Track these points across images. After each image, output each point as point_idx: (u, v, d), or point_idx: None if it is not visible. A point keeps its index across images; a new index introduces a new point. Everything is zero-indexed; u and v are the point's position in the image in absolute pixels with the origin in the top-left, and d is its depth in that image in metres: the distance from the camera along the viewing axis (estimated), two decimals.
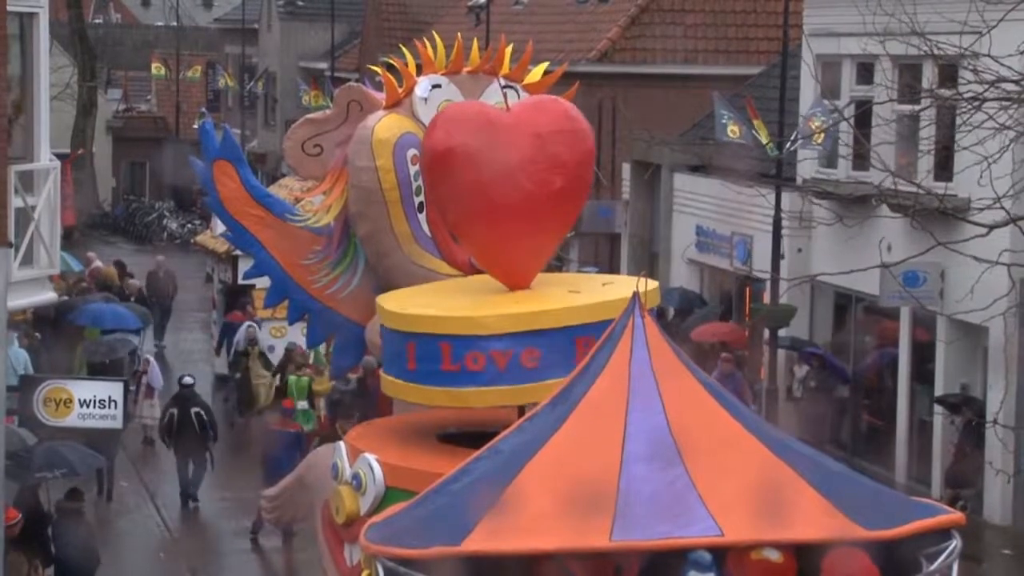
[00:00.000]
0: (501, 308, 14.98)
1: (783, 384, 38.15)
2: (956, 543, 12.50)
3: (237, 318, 41.19)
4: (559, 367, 14.01)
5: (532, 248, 15.46)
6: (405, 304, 15.25)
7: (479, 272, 15.85)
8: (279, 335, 35.66)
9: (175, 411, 33.75)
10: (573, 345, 14.26)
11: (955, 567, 12.32)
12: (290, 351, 35.87)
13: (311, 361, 34.94)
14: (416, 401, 15.37)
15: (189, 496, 33.83)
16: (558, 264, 34.00)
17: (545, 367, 14.34)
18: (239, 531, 31.88)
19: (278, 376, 37.03)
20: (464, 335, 14.65)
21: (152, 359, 38.56)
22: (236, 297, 40.99)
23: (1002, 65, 20.23)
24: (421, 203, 15.99)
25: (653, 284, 15.02)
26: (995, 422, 31.99)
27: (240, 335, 37.69)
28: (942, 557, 12.27)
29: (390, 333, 15.11)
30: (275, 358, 37.02)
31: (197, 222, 62.21)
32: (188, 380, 34.62)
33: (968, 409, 34.48)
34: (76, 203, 47.71)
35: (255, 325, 35.69)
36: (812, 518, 12.26)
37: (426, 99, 16.35)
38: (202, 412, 33.73)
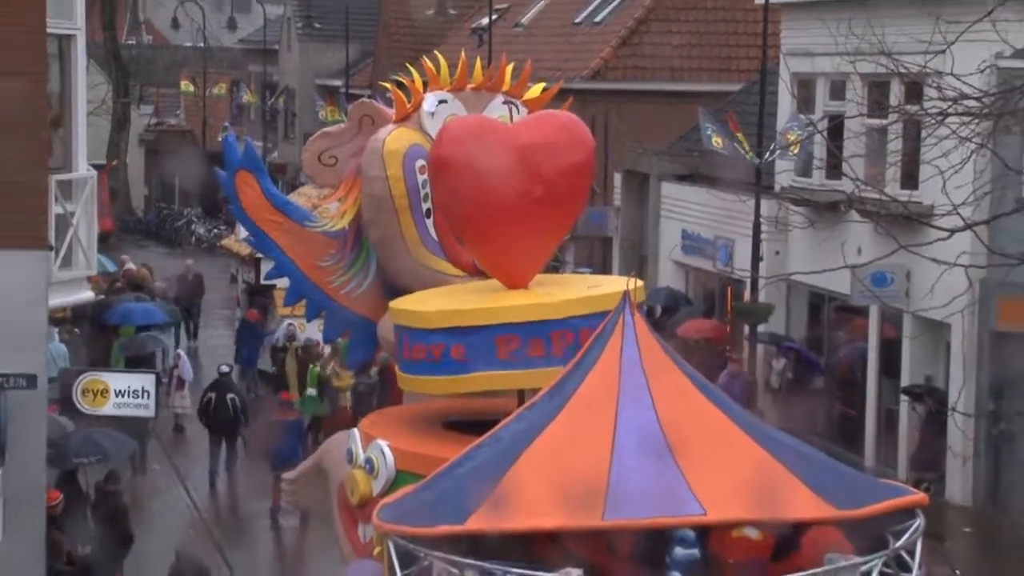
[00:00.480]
0: (500, 302, 14.98)
1: (762, 376, 38.14)
2: (920, 522, 12.43)
3: (253, 316, 41.71)
4: (553, 358, 14.02)
5: (526, 251, 15.38)
6: (417, 305, 15.24)
7: (481, 273, 15.77)
8: (300, 331, 35.88)
9: (212, 396, 34.13)
10: (550, 338, 14.28)
11: (919, 544, 12.24)
12: (308, 346, 36.06)
13: (329, 355, 35.06)
14: (424, 391, 15.36)
15: (217, 476, 34.23)
16: (555, 265, 33.97)
17: (544, 358, 14.35)
18: (262, 511, 31.88)
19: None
20: (465, 326, 14.66)
21: (183, 354, 38.64)
22: (259, 296, 41.13)
23: (963, 83, 20.14)
24: (428, 209, 15.92)
25: (638, 283, 14.92)
26: (955, 410, 32.05)
27: (280, 331, 37.84)
28: (907, 534, 12.21)
29: (403, 330, 15.09)
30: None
31: (222, 227, 62.13)
32: (225, 368, 35.32)
33: (931, 399, 34.50)
34: (111, 210, 47.76)
35: (295, 324, 35.67)
36: (789, 499, 12.18)
37: (433, 113, 16.28)
38: (236, 398, 34.12)
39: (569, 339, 14.01)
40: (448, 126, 15.74)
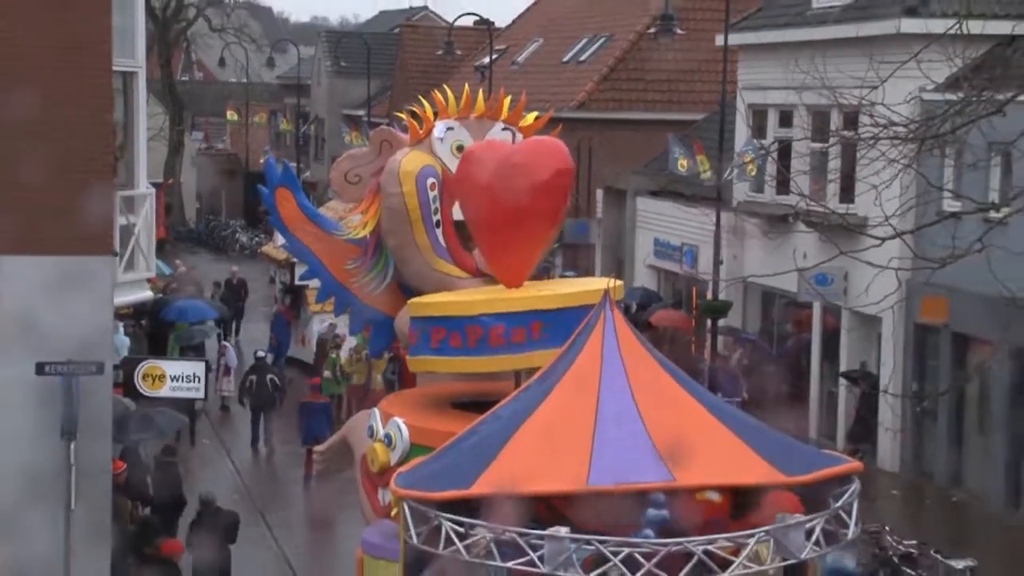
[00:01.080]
0: (501, 295, 15.09)
1: (722, 365, 38.17)
2: (856, 486, 12.46)
3: (284, 311, 43.00)
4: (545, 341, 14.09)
5: (519, 256, 15.49)
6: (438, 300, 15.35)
7: (482, 275, 15.84)
8: (324, 319, 36.30)
9: (254, 377, 35.15)
10: (559, 325, 14.33)
11: (855, 504, 12.27)
12: (323, 339, 37.35)
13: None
14: (435, 370, 15.43)
15: (258, 445, 35.29)
16: (546, 267, 33.98)
17: (534, 343, 14.44)
18: (296, 479, 32.34)
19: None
20: (469, 315, 14.74)
21: (229, 345, 39.66)
22: (294, 295, 41.27)
23: (893, 112, 20.18)
24: (438, 221, 15.97)
25: (618, 283, 14.96)
26: (886, 391, 32.04)
27: (324, 328, 37.80)
28: (845, 496, 12.24)
29: (418, 320, 15.15)
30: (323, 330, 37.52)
31: (262, 236, 62.10)
32: (261, 353, 36.71)
33: (865, 382, 34.58)
34: (166, 221, 47.88)
35: (336, 323, 35.83)
36: (745, 467, 12.23)
37: (442, 139, 16.33)
38: (275, 378, 35.31)
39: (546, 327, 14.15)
40: (469, 150, 15.90)
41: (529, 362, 14.43)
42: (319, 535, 29.72)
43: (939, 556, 23.14)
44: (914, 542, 23.80)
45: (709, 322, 38.42)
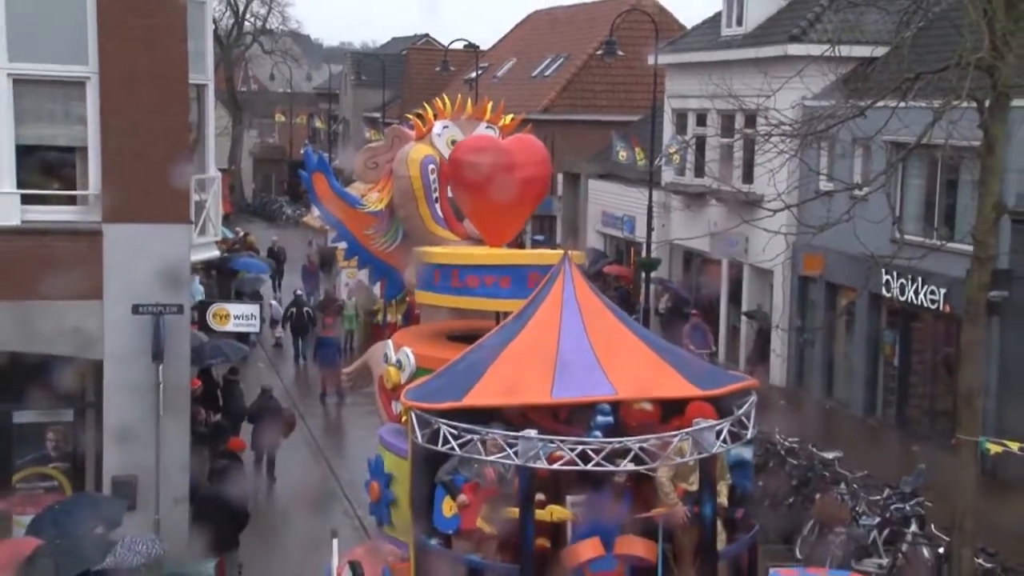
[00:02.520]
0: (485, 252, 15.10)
1: (653, 305, 38.23)
2: (753, 397, 12.48)
3: (310, 264, 44.13)
4: (519, 291, 14.08)
5: (502, 221, 15.49)
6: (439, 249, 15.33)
7: (469, 239, 15.82)
8: (352, 276, 36.43)
9: (294, 309, 36.98)
10: (526, 278, 14.31)
11: (752, 411, 12.29)
12: (328, 299, 38.33)
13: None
14: (436, 304, 15.42)
15: (299, 359, 37.05)
16: (520, 233, 34.05)
17: (510, 290, 14.44)
18: (330, 392, 32.43)
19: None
20: (464, 264, 14.74)
21: (274, 301, 40.30)
22: (328, 255, 41.39)
23: (782, 115, 20.16)
24: (436, 197, 15.91)
25: (578, 253, 14.99)
26: (777, 327, 32.15)
27: (354, 282, 37.88)
28: (745, 406, 12.26)
29: (425, 265, 15.15)
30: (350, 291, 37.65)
31: (303, 209, 62.07)
32: (299, 292, 38.43)
33: (760, 319, 34.73)
34: (230, 198, 47.86)
35: (362, 278, 36.05)
36: (670, 384, 12.23)
37: (439, 135, 16.24)
38: (309, 310, 37.15)
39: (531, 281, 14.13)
40: (462, 142, 15.86)
41: (501, 306, 14.42)
42: (345, 436, 29.90)
43: (814, 449, 23.24)
44: (796, 439, 23.91)
45: (643, 274, 38.58)
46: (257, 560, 20.04)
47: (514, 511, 11.74)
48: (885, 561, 19.41)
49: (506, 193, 15.11)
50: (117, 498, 17.74)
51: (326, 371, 31.56)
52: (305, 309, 37.08)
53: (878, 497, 20.81)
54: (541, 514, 12.04)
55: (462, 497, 11.96)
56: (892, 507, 20.37)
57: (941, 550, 18.76)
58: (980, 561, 17.92)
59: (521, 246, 32.14)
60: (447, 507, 12.02)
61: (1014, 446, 18.36)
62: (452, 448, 11.69)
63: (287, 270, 47.81)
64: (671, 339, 24.89)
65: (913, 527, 19.74)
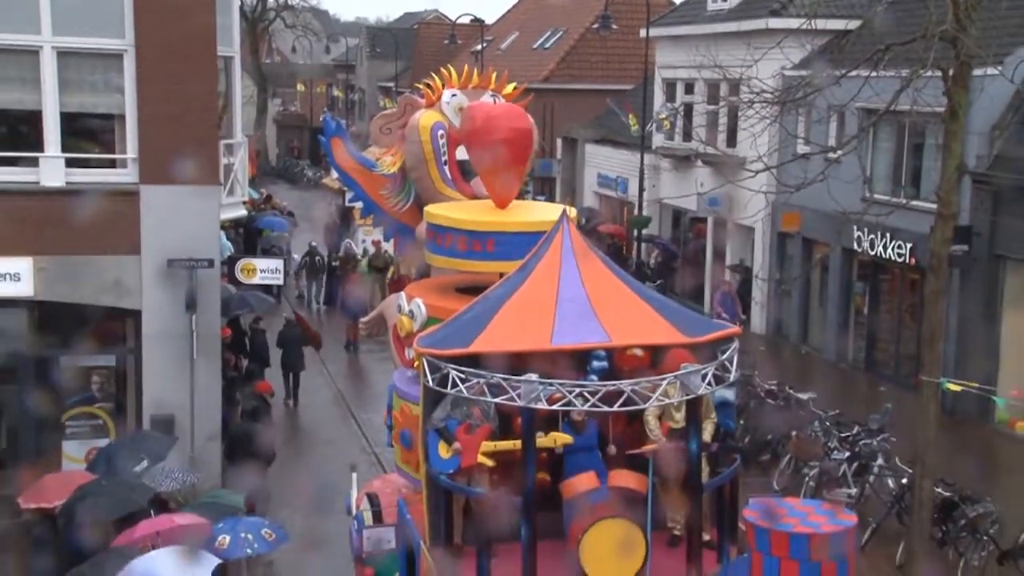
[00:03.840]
0: (495, 217, 15.00)
1: (644, 259, 38.24)
2: (736, 343, 12.43)
3: (332, 222, 42.96)
4: (517, 253, 14.04)
5: (503, 183, 15.41)
6: (444, 213, 15.24)
7: (476, 198, 15.78)
8: (369, 234, 36.28)
9: (307, 258, 37.66)
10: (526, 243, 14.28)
11: (735, 356, 12.28)
12: (348, 256, 37.26)
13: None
14: (443, 266, 15.38)
15: (312, 304, 37.62)
16: (524, 192, 33.96)
17: (506, 253, 14.40)
18: (340, 339, 32.47)
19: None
20: (472, 230, 14.68)
21: (297, 256, 39.45)
22: (345, 214, 41.29)
23: (763, 84, 20.07)
24: (445, 160, 15.86)
25: (573, 211, 14.93)
26: (758, 277, 32.12)
27: (368, 241, 37.53)
28: (729, 351, 12.24)
29: (434, 227, 15.10)
30: (368, 246, 37.30)
31: (323, 171, 61.95)
32: (314, 243, 38.56)
33: (743, 271, 34.68)
34: (256, 161, 47.74)
35: (379, 238, 36.01)
36: (660, 331, 12.21)
37: (448, 103, 16.14)
38: (320, 258, 37.88)
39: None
40: (471, 107, 15.76)
41: (498, 268, 14.34)
42: (363, 378, 29.93)
43: (791, 391, 23.30)
44: (774, 382, 23.96)
45: (635, 231, 38.55)
46: (284, 492, 20.15)
47: (513, 444, 11.78)
48: (854, 491, 19.51)
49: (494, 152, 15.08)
50: (165, 436, 17.83)
51: (351, 322, 31.46)
52: (317, 257, 37.63)
53: (848, 434, 20.90)
54: (544, 440, 12.10)
55: (456, 444, 11.98)
56: (860, 443, 20.48)
57: (904, 481, 18.85)
58: (939, 490, 18.00)
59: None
60: (443, 450, 12.04)
61: (972, 386, 18.44)
62: (460, 391, 11.70)
63: (312, 224, 47.63)
64: (661, 289, 24.95)
65: (879, 460, 19.84)
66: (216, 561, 12.96)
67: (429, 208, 15.36)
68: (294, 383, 26.93)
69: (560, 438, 12.36)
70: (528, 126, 15.76)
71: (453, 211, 15.25)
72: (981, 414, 24.50)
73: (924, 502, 17.66)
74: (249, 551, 14.10)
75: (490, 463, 11.96)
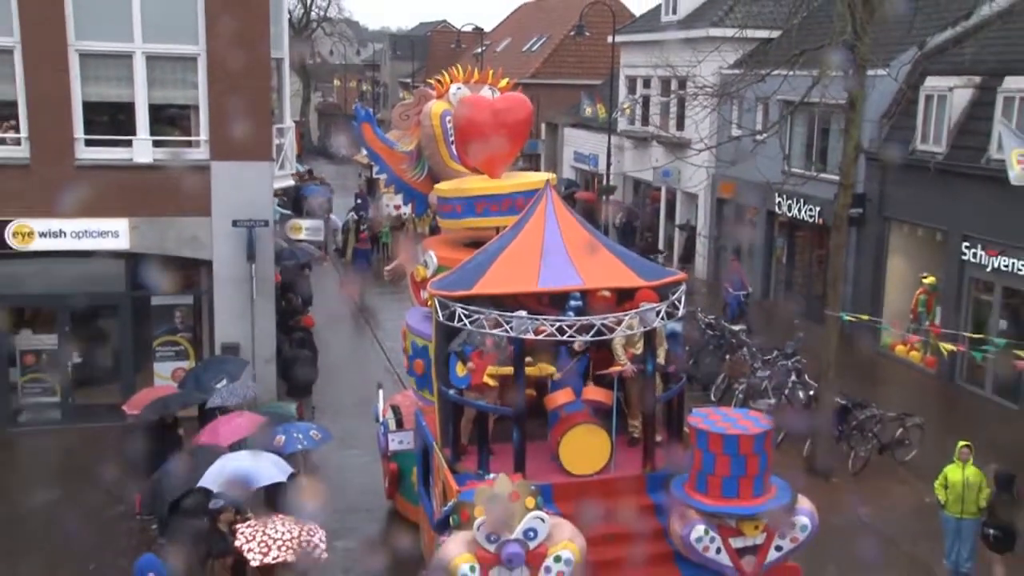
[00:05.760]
0: (486, 184, 14.97)
1: (611, 222, 38.16)
2: (683, 287, 12.50)
3: (361, 191, 42.27)
4: (511, 212, 14.04)
5: (496, 159, 15.37)
6: (449, 187, 15.19)
7: (475, 171, 15.72)
8: (391, 200, 35.79)
9: (351, 214, 36.65)
10: (515, 202, 14.28)
11: (683, 297, 12.32)
12: (371, 220, 36.95)
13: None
14: (452, 228, 15.34)
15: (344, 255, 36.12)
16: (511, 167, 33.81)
17: (504, 212, 14.40)
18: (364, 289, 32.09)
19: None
20: (470, 196, 14.68)
21: (334, 216, 38.75)
22: (372, 184, 40.97)
23: (705, 80, 20.00)
24: (452, 140, 15.80)
25: (553, 176, 14.90)
26: (700, 235, 32.03)
27: (391, 207, 36.82)
28: (677, 293, 12.28)
29: (443, 199, 15.07)
30: (391, 210, 36.90)
31: (354, 149, 61.65)
32: (356, 203, 37.63)
33: (689, 230, 34.58)
34: (301, 142, 47.34)
35: (400, 204, 35.59)
36: (623, 276, 12.25)
37: (454, 94, 16.10)
38: (359, 218, 36.18)
39: (519, 203, 14.08)
40: (466, 98, 15.68)
41: (497, 223, 14.36)
42: (384, 315, 29.87)
43: (726, 324, 23.36)
44: (713, 317, 24.02)
45: (604, 197, 38.42)
46: (326, 402, 20.23)
47: (510, 369, 11.85)
48: (773, 401, 19.63)
49: (498, 135, 15.02)
50: (240, 359, 17.87)
51: (360, 272, 31.26)
52: (353, 218, 36.81)
53: (769, 357, 20.99)
54: (531, 370, 12.15)
55: (470, 364, 12.04)
56: (779, 363, 20.57)
57: (811, 393, 19.00)
58: (837, 399, 18.20)
59: None
60: (460, 369, 12.09)
61: (864, 319, 18.51)
62: (464, 324, 11.73)
63: (346, 193, 47.18)
64: (625, 243, 24.89)
65: (793, 377, 19.95)
66: (290, 470, 13.02)
67: (438, 185, 15.34)
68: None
69: (544, 368, 12.38)
70: (530, 110, 15.73)
71: (463, 183, 15.25)
72: (870, 340, 24.64)
73: (826, 408, 17.90)
74: (300, 447, 14.19)
75: (493, 383, 12.04)
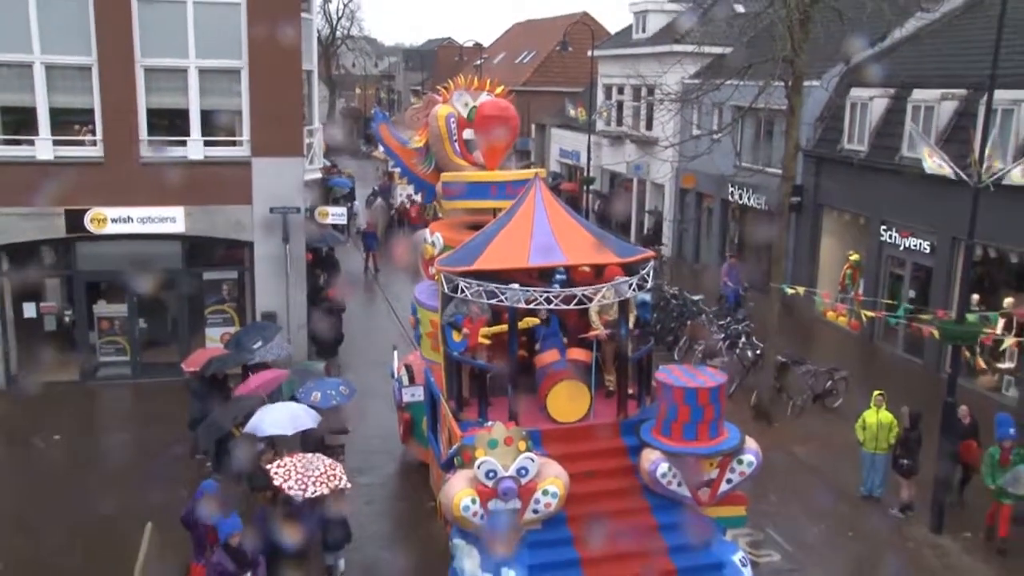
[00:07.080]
0: (483, 174, 14.92)
1: (590, 208, 38.03)
2: (652, 263, 12.49)
3: (383, 182, 41.17)
4: (506, 197, 14.01)
5: (496, 151, 15.30)
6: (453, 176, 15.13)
7: (476, 164, 15.63)
8: (404, 189, 35.67)
9: (372, 197, 36.21)
10: (505, 188, 14.24)
11: (651, 271, 12.33)
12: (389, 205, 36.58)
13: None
14: (454, 208, 15.24)
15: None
16: (505, 164, 33.66)
17: (501, 196, 14.35)
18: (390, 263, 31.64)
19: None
20: (473, 182, 14.63)
21: (357, 203, 38.15)
22: (389, 177, 40.64)
23: (670, 88, 19.94)
24: (455, 139, 15.67)
25: (543, 171, 14.85)
26: (665, 219, 31.93)
27: (405, 196, 36.67)
28: (647, 268, 12.28)
29: (447, 183, 15.03)
30: (404, 199, 36.55)
31: (372, 147, 61.27)
32: (375, 188, 36.64)
33: (657, 214, 34.43)
34: (327, 139, 46.77)
35: (412, 193, 34.87)
36: (602, 254, 12.24)
37: (457, 99, 15.93)
38: (382, 201, 35.85)
39: (509, 190, 14.06)
40: (485, 103, 15.49)
41: (496, 205, 14.32)
42: (397, 288, 29.67)
43: (688, 294, 23.38)
44: (676, 288, 24.03)
45: (584, 187, 38.28)
46: (349, 362, 20.26)
47: (501, 327, 11.83)
48: (726, 359, 19.72)
49: (492, 133, 14.99)
50: (273, 325, 17.86)
51: (368, 251, 30.82)
52: (379, 201, 35.92)
53: (723, 322, 21.06)
54: (521, 324, 12.16)
55: (464, 330, 12.06)
56: (731, 327, 20.64)
57: (758, 352, 19.10)
58: (779, 357, 18.32)
59: None
60: (456, 336, 12.11)
61: (801, 290, 18.58)
62: (465, 295, 11.74)
63: (365, 184, 46.68)
64: (603, 228, 24.79)
65: (743, 339, 20.02)
66: (318, 417, 13.04)
67: (444, 175, 15.30)
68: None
69: (530, 320, 12.40)
70: (515, 114, 15.65)
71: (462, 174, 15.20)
72: (807, 308, 24.71)
73: (769, 365, 18.00)
74: (334, 402, 14.21)
75: (488, 342, 12.06)
